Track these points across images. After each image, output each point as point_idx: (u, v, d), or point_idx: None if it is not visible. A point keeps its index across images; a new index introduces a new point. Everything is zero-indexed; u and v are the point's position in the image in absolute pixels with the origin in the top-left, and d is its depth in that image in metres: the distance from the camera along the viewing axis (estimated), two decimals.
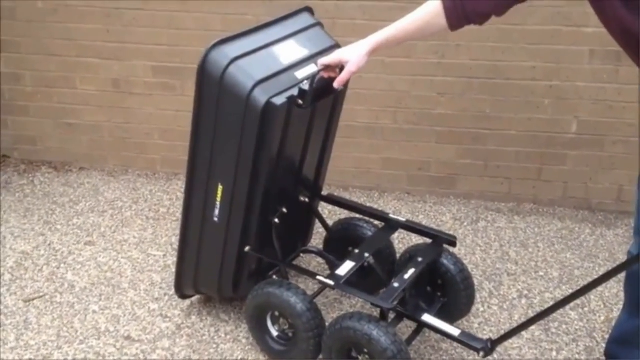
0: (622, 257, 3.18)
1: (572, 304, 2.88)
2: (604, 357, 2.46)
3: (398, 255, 2.79)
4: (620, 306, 2.73)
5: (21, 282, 3.03)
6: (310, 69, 2.37)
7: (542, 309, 2.80)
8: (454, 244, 2.56)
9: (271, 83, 2.24)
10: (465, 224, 3.50)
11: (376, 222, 2.83)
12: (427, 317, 2.38)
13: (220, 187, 2.38)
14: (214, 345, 2.66)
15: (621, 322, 2.34)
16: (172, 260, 3.17)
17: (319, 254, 2.78)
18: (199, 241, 2.57)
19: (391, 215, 2.71)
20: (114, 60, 3.74)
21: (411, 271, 2.40)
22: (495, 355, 2.59)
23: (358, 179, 3.80)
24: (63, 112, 3.95)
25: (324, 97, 2.38)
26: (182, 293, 2.82)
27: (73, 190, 3.84)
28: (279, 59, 2.33)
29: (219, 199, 2.40)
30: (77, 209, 3.64)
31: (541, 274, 3.09)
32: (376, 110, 3.63)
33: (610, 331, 2.49)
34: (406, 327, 2.66)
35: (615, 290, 2.96)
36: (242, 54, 2.24)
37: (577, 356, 2.61)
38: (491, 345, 2.25)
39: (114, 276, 3.08)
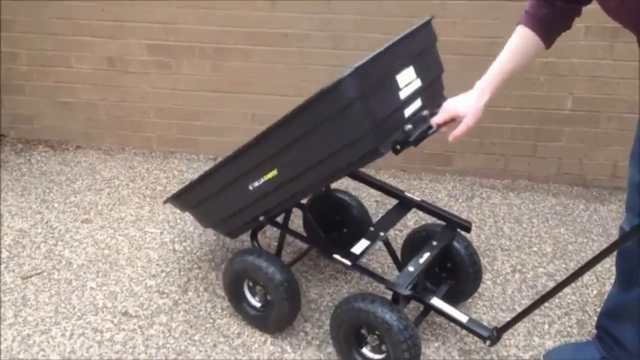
0: (616, 233, 3.19)
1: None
2: (595, 330, 2.48)
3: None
4: (613, 280, 2.76)
5: (19, 259, 3.05)
6: (417, 103, 2.23)
7: (535, 283, 2.86)
8: (468, 230, 2.55)
9: (386, 125, 2.09)
10: (460, 200, 3.52)
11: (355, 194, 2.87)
12: (435, 301, 2.40)
13: (273, 172, 2.29)
14: (211, 321, 2.69)
15: (612, 296, 2.37)
16: (169, 237, 3.20)
17: (304, 211, 2.75)
18: (220, 190, 2.49)
19: (406, 194, 2.69)
20: (109, 38, 3.74)
21: (426, 255, 2.40)
22: None
23: None
24: (59, 91, 3.95)
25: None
26: (169, 201, 2.76)
27: (70, 168, 3.85)
28: (398, 94, 2.14)
29: (265, 178, 2.32)
30: (73, 187, 3.66)
31: (535, 249, 3.11)
32: None
33: (602, 304, 2.52)
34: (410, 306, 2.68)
35: (607, 265, 2.98)
36: (370, 88, 2.03)
37: (569, 329, 2.64)
38: (497, 334, 2.27)
39: (111, 253, 3.10)
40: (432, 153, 3.73)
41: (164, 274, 2.94)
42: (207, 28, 3.60)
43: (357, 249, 2.40)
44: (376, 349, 2.34)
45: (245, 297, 2.63)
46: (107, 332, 2.63)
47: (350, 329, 2.35)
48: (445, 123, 2.17)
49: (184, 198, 2.66)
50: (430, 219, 2.70)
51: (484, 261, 3.02)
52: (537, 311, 2.72)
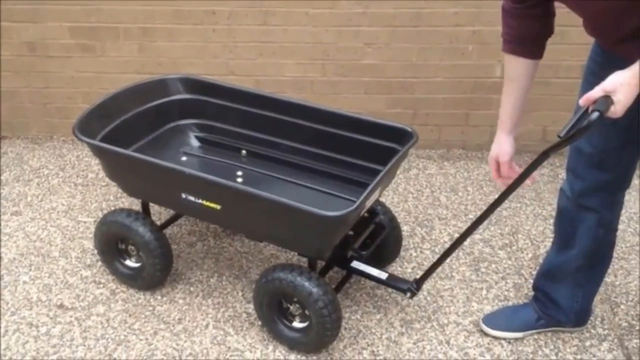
0: (548, 196, 3.29)
1: (500, 244, 2.96)
2: (532, 292, 2.55)
3: None
4: (547, 243, 2.84)
5: None
6: None
7: (472, 250, 2.91)
8: None
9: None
10: (398, 172, 3.53)
11: None
12: (355, 264, 2.46)
13: (216, 205, 2.31)
14: (150, 308, 2.64)
15: (550, 258, 2.43)
16: None
17: None
18: (150, 180, 2.51)
19: None
20: (28, 22, 3.58)
21: None
22: (428, 298, 2.66)
23: None
24: None
25: None
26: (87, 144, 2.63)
27: None
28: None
29: (204, 202, 2.33)
30: (0, 179, 3.52)
31: (471, 216, 3.16)
32: (304, 64, 3.60)
33: (537, 267, 2.58)
34: (335, 274, 2.69)
35: (541, 228, 3.06)
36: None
37: (506, 293, 2.70)
38: (416, 285, 2.35)
39: (43, 245, 3.00)
40: None
41: (99, 264, 2.86)
42: (130, 8, 3.49)
43: None
44: (300, 317, 2.37)
45: (118, 256, 2.70)
46: (43, 327, 2.56)
47: (272, 302, 2.37)
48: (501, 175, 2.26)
49: (108, 154, 2.54)
50: None
51: (422, 231, 3.06)
52: (475, 278, 2.77)
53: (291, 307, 2.36)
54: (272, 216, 2.24)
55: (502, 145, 2.18)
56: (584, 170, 2.16)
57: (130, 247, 2.65)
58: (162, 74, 2.98)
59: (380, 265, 2.57)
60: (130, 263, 2.69)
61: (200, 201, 2.34)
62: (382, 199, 2.73)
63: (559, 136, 1.75)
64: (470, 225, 2.17)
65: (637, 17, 1.74)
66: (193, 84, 2.91)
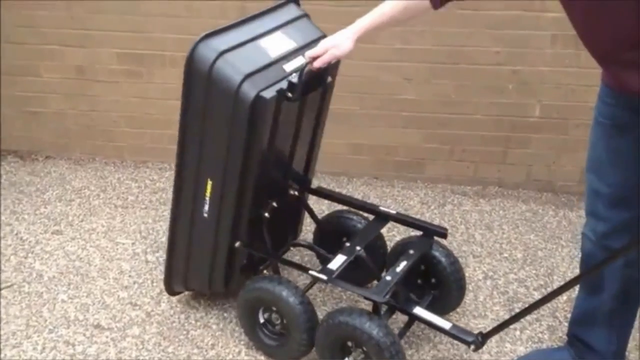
0: None
1: (535, 285, 2.94)
2: (566, 337, 2.52)
3: (389, 247, 2.81)
4: None
5: None
6: (299, 61, 2.35)
7: (506, 289, 2.89)
8: (444, 236, 2.55)
9: (260, 76, 2.19)
10: (432, 207, 3.55)
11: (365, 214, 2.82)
12: (418, 310, 2.39)
13: (209, 183, 2.33)
14: (184, 332, 2.67)
15: (579, 303, 2.40)
16: (141, 248, 3.17)
17: (309, 247, 2.78)
18: (189, 237, 2.52)
19: (381, 208, 2.68)
20: (78, 47, 3.70)
21: (403, 264, 2.39)
22: None
23: (326, 164, 3.80)
24: (27, 101, 3.89)
25: (313, 89, 2.39)
26: (172, 290, 2.77)
27: (39, 179, 3.80)
28: (267, 52, 2.29)
29: (208, 194, 2.36)
30: (44, 197, 3.61)
31: (505, 255, 3.15)
32: (343, 96, 3.62)
33: (571, 310, 2.56)
34: (396, 319, 2.68)
35: (577, 270, 3.02)
36: (230, 47, 2.20)
37: (540, 335, 2.67)
38: (482, 339, 2.25)
39: (82, 265, 3.07)
40: (404, 161, 3.75)
41: (136, 286, 2.92)
42: (176, 36, 3.58)
43: (334, 264, 2.38)
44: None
45: (260, 323, 2.55)
46: (79, 345, 2.60)
47: (334, 346, 2.33)
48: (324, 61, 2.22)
49: (173, 271, 2.65)
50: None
51: None
52: (507, 317, 2.74)
53: (353, 354, 2.31)
54: None
55: (346, 43, 2.17)
56: (605, 211, 2.11)
57: (274, 316, 2.51)
58: None
59: (441, 313, 2.51)
60: (273, 330, 2.55)
61: (207, 198, 2.38)
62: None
63: None
64: (559, 287, 2.09)
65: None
66: None
